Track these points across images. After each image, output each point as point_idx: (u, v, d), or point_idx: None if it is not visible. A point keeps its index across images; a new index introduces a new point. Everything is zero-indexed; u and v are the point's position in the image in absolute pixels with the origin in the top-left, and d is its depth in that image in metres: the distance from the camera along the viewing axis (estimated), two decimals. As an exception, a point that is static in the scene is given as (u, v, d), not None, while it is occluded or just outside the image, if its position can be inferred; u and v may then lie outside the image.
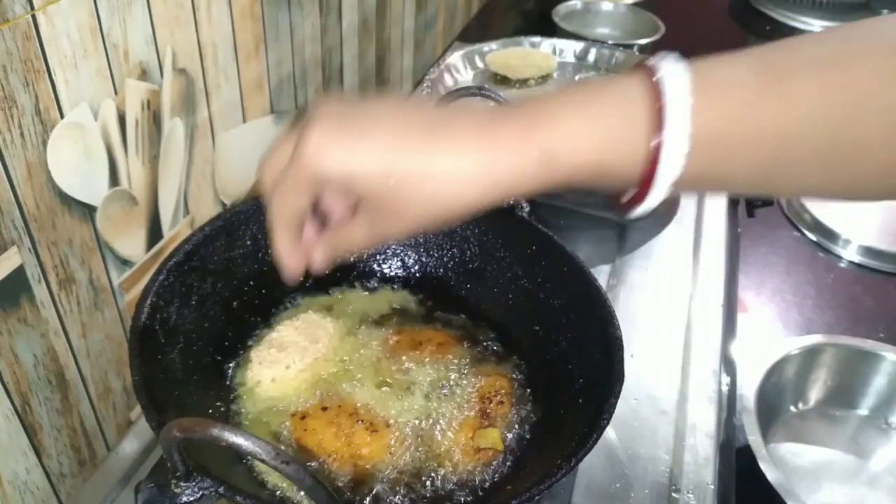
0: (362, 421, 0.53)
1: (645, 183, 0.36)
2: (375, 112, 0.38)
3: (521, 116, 0.37)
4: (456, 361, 0.60)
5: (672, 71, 0.36)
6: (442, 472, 0.52)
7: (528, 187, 0.37)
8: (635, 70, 0.37)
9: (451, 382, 0.58)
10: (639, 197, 0.37)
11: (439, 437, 0.53)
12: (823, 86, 0.35)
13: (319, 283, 0.66)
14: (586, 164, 0.37)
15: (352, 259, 0.67)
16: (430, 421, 0.55)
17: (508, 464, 0.53)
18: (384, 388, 0.57)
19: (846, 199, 0.41)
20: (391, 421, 0.54)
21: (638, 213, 0.39)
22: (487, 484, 0.51)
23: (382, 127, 0.37)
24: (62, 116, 0.51)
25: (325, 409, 0.54)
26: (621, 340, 0.51)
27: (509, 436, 0.55)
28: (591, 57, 1.12)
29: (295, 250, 0.41)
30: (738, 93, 0.36)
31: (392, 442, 0.53)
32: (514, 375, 0.59)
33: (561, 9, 1.43)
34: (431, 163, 0.36)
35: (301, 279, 0.43)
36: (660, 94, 0.35)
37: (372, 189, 0.37)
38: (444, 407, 0.56)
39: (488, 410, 0.55)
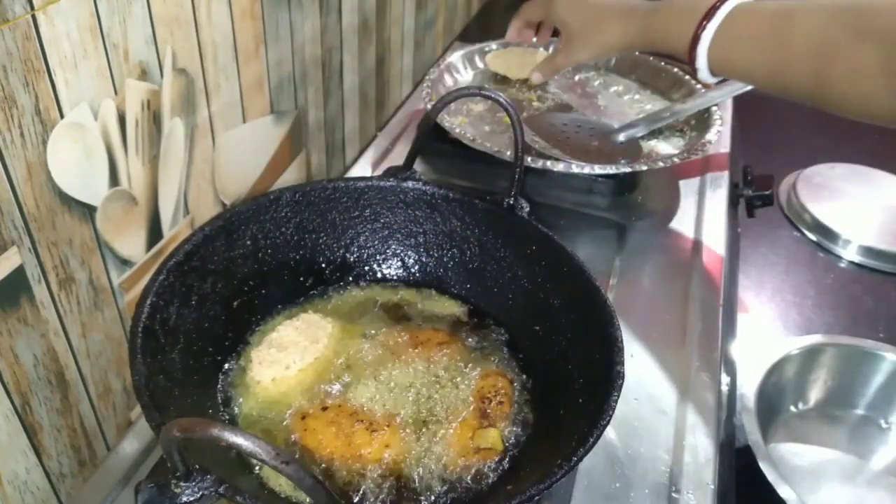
0: (362, 421, 0.53)
1: (691, 50, 0.69)
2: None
3: (637, 15, 0.76)
4: (456, 361, 0.60)
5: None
6: (442, 472, 0.52)
7: (637, 47, 0.77)
8: None
9: (451, 382, 0.58)
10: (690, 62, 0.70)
11: (439, 437, 0.53)
12: (822, 20, 0.60)
13: (320, 284, 0.66)
14: (663, 39, 0.73)
15: (355, 259, 0.67)
16: (430, 421, 0.55)
17: (508, 464, 0.53)
18: (384, 388, 0.57)
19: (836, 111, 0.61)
20: (391, 421, 0.54)
21: (699, 75, 0.71)
22: (487, 484, 0.51)
23: (586, 5, 0.81)
24: (62, 116, 0.51)
25: (325, 408, 0.54)
26: (621, 340, 0.51)
27: (509, 435, 0.55)
28: (591, 57, 1.12)
29: (517, 30, 0.94)
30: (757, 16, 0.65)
31: (392, 442, 0.53)
32: (514, 375, 0.59)
33: None
34: (595, 28, 0.80)
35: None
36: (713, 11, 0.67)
37: (569, 30, 0.83)
38: (444, 407, 0.56)
39: (488, 411, 0.55)
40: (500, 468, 0.52)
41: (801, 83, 0.62)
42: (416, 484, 0.51)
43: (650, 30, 0.74)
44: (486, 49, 1.09)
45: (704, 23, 0.66)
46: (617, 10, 0.77)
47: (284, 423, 0.54)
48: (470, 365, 0.59)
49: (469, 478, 0.52)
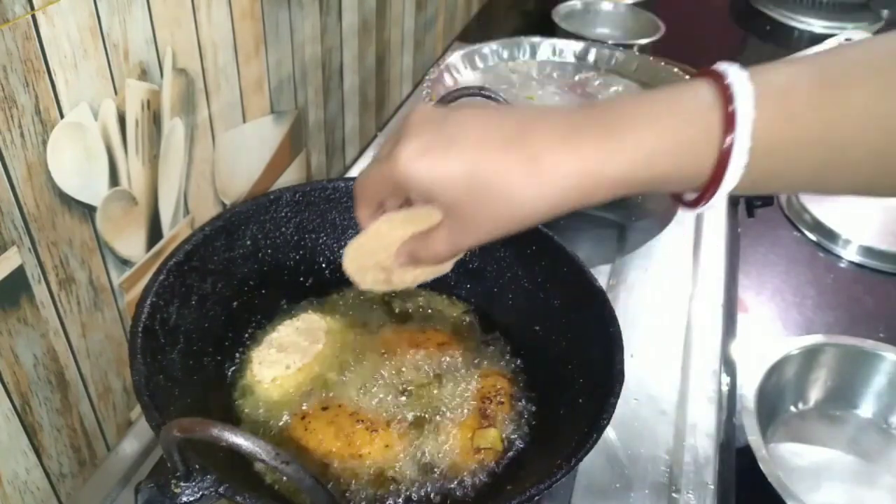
0: (362, 421, 0.53)
1: (709, 186, 0.39)
2: (460, 127, 0.41)
3: (593, 133, 0.39)
4: (456, 361, 0.59)
5: (738, 80, 0.38)
6: (442, 472, 0.52)
7: (599, 199, 0.41)
8: (701, 78, 0.39)
9: (451, 383, 0.58)
10: (700, 199, 0.41)
11: (439, 438, 0.53)
12: (880, 89, 0.37)
13: (320, 284, 0.66)
14: (658, 176, 0.40)
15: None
16: (430, 421, 0.55)
17: (508, 464, 0.53)
18: (384, 388, 0.57)
19: None
20: (391, 421, 0.54)
21: (697, 212, 0.42)
22: (487, 484, 0.51)
23: (465, 140, 0.40)
24: (62, 116, 0.51)
25: (325, 409, 0.54)
26: (621, 340, 0.51)
27: (509, 436, 0.55)
28: (591, 57, 1.12)
29: (370, 217, 0.47)
30: (796, 101, 0.38)
31: (392, 442, 0.53)
32: (514, 376, 0.59)
33: (561, 9, 1.43)
34: (508, 175, 0.39)
35: None
36: (730, 102, 0.37)
37: (453, 198, 0.40)
38: (444, 407, 0.56)
39: (488, 411, 0.55)
40: (500, 468, 0.52)
41: (857, 174, 0.40)
42: (416, 484, 0.51)
43: (629, 162, 0.40)
44: (486, 49, 1.09)
45: (729, 135, 0.37)
46: (529, 149, 0.39)
47: (284, 423, 0.54)
48: (470, 365, 0.59)
49: (469, 478, 0.52)
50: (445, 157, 0.40)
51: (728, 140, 0.37)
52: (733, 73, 0.38)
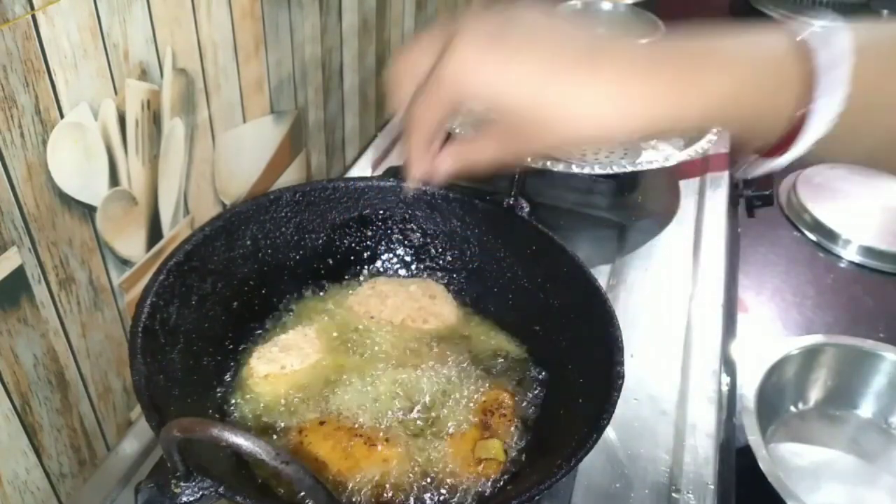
0: (360, 435, 0.52)
1: (789, 138, 0.37)
2: (524, 33, 0.37)
3: (670, 72, 0.37)
4: (457, 367, 0.59)
5: (833, 31, 0.36)
6: (442, 484, 0.51)
7: (663, 135, 0.40)
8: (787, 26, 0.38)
9: (453, 392, 0.57)
10: (780, 148, 0.38)
11: (440, 450, 0.53)
12: None
13: (320, 284, 0.66)
14: (733, 120, 0.38)
15: (355, 260, 0.67)
16: (431, 433, 0.54)
17: (508, 464, 0.53)
18: (383, 401, 0.56)
19: None
20: (390, 435, 0.53)
21: (777, 165, 0.39)
22: (487, 486, 0.51)
23: (531, 52, 0.36)
24: (62, 116, 0.51)
25: (322, 423, 0.54)
26: (621, 340, 0.51)
27: (510, 445, 0.54)
28: (591, 57, 1.12)
29: (425, 158, 0.42)
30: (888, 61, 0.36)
31: (390, 456, 0.52)
32: (514, 376, 0.59)
33: (561, 9, 1.43)
34: (575, 96, 0.36)
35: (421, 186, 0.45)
36: (812, 54, 0.36)
37: (514, 112, 0.37)
38: (446, 418, 0.55)
39: (490, 422, 0.55)
40: (502, 477, 0.52)
41: None
42: (416, 497, 0.50)
43: (712, 97, 0.37)
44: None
45: (815, 87, 0.36)
46: (610, 64, 0.37)
47: (281, 436, 0.53)
48: (472, 371, 0.59)
49: (469, 488, 0.51)
50: (510, 72, 0.36)
51: (814, 89, 0.35)
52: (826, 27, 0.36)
